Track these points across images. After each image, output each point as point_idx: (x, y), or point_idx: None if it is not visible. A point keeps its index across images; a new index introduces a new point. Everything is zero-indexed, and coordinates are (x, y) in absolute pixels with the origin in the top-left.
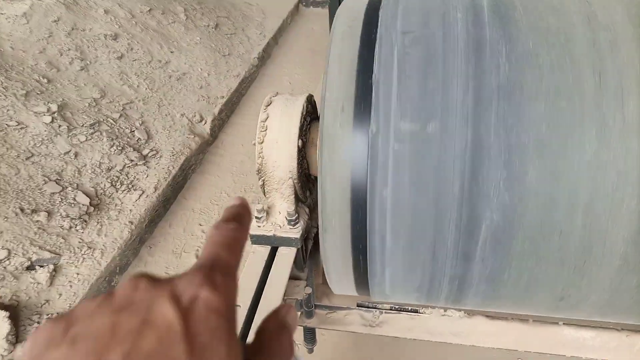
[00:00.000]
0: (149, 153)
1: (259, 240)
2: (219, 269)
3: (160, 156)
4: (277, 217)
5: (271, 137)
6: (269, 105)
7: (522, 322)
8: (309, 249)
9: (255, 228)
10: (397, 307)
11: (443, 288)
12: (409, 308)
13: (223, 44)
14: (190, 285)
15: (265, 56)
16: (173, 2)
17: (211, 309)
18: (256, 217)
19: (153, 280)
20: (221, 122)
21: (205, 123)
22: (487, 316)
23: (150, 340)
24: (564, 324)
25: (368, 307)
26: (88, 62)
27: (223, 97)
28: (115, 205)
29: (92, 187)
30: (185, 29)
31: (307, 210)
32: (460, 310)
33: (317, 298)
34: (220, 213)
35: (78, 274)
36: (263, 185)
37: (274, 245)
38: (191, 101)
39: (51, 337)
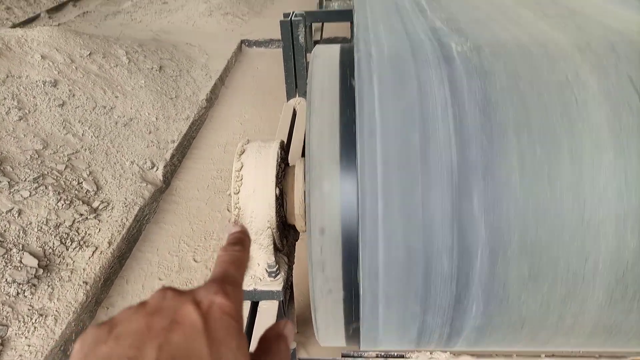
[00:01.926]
0: (99, 205)
1: None
2: (229, 282)
3: (112, 208)
4: (257, 269)
5: (247, 186)
6: (242, 153)
7: (507, 357)
8: (287, 300)
9: None
10: (383, 354)
11: (434, 337)
12: (395, 354)
13: (169, 87)
14: (208, 293)
15: (212, 97)
16: (113, 45)
17: (224, 312)
18: None
19: (177, 291)
20: (173, 167)
21: (157, 169)
22: (472, 355)
23: (178, 335)
24: (545, 356)
25: (354, 357)
26: (27, 112)
27: (174, 141)
28: (67, 265)
29: (40, 247)
30: (129, 73)
31: (286, 259)
32: (446, 351)
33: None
34: (180, 265)
35: (29, 345)
36: None
37: (255, 300)
38: (140, 147)
39: (98, 336)
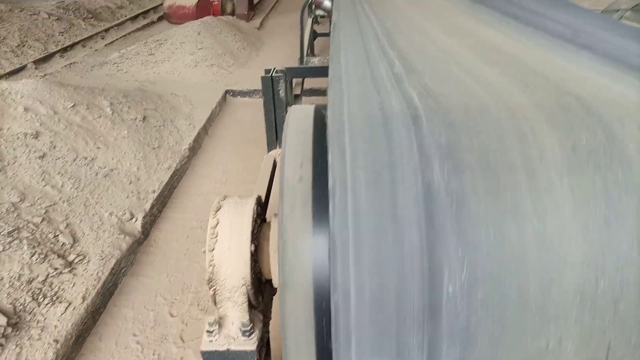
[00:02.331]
0: (75, 259)
1: (211, 357)
2: None
3: (88, 261)
4: (231, 328)
5: (222, 244)
6: (218, 210)
7: None
8: (262, 358)
9: (207, 343)
10: None
11: None
12: None
13: (152, 137)
14: None
15: (196, 147)
16: (98, 96)
17: None
18: (207, 332)
19: None
20: (153, 217)
21: (136, 220)
22: None
23: None
24: None
25: None
26: (6, 164)
27: (154, 191)
28: (38, 322)
29: (10, 304)
30: (112, 124)
31: (260, 317)
32: None
33: None
34: (155, 320)
35: None
36: (214, 295)
37: None
38: (120, 198)
39: None
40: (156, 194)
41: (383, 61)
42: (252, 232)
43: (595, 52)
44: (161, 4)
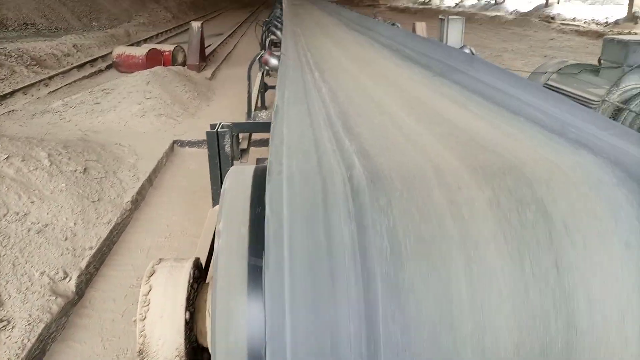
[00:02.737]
0: None
1: None
2: None
3: (13, 327)
4: None
5: (155, 312)
6: (151, 275)
7: None
8: None
9: None
10: None
11: None
12: None
13: (92, 189)
14: None
15: (139, 199)
16: (35, 147)
17: None
18: None
19: None
20: (89, 276)
21: (70, 280)
22: None
23: None
24: None
25: None
26: None
27: (91, 247)
28: None
29: None
30: (49, 176)
31: None
32: None
33: None
34: None
35: None
36: None
37: None
38: (54, 256)
39: None
40: (93, 251)
41: (327, 130)
42: (188, 298)
43: (527, 117)
44: (110, 53)
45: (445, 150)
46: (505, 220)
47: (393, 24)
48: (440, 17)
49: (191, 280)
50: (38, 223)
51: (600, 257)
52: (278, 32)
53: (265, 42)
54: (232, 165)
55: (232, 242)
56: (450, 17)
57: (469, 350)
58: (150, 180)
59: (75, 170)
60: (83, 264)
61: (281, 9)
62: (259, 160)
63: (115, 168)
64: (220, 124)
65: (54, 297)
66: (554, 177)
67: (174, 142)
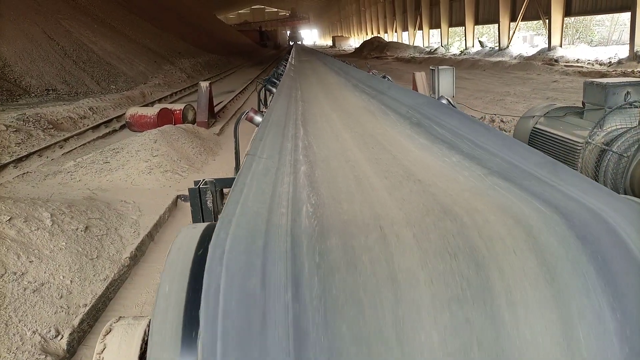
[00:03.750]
0: None
1: None
2: None
3: None
4: None
5: None
6: (107, 334)
7: None
8: None
9: None
10: None
11: None
12: None
13: (92, 247)
14: None
15: (138, 254)
16: (39, 208)
17: None
18: None
19: None
20: (82, 333)
21: (62, 338)
22: None
23: None
24: None
25: None
26: None
27: (86, 305)
28: None
29: None
30: (50, 235)
31: None
32: None
33: None
34: None
35: None
36: None
37: None
38: (47, 314)
39: None
40: (87, 308)
41: (290, 188)
42: (142, 355)
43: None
44: (124, 114)
45: (399, 213)
46: (435, 268)
47: (384, 77)
48: (430, 67)
49: (146, 338)
50: (35, 282)
51: (533, 300)
52: (274, 89)
53: (262, 99)
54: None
55: (171, 296)
56: (441, 67)
57: None
58: (150, 236)
59: (77, 229)
60: (76, 322)
61: (285, 66)
62: None
63: (117, 225)
64: (203, 180)
65: (44, 356)
66: (486, 217)
67: (178, 197)
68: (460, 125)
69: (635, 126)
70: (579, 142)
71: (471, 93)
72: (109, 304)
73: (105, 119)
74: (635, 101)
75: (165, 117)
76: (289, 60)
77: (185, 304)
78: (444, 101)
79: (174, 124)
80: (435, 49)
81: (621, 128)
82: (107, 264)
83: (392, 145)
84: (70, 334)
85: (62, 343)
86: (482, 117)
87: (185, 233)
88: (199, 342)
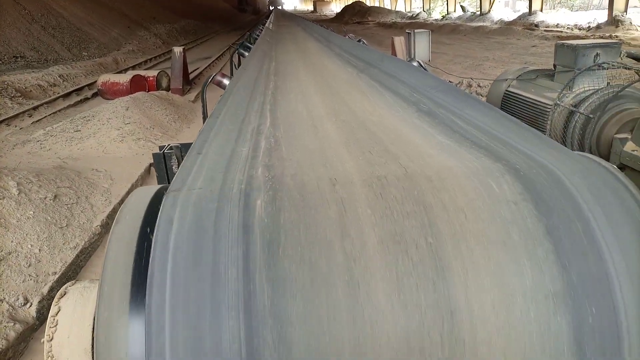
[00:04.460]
0: None
1: None
2: None
3: None
4: None
5: (62, 332)
6: (62, 297)
7: None
8: None
9: None
10: None
11: None
12: None
13: (61, 215)
14: None
15: (110, 223)
16: (4, 177)
17: None
18: None
19: None
20: (52, 301)
21: (31, 305)
22: None
23: None
24: None
25: None
26: None
27: (55, 273)
28: None
29: None
30: (17, 204)
31: None
32: None
33: None
34: None
35: None
36: None
37: None
38: (15, 282)
39: None
40: (57, 276)
41: (250, 149)
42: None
43: (451, 127)
44: (96, 81)
45: (355, 172)
46: (389, 229)
47: (359, 41)
48: (407, 31)
49: None
50: (1, 251)
51: (483, 257)
52: (246, 53)
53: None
54: None
55: (119, 257)
56: (416, 31)
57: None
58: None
59: (45, 198)
60: (45, 290)
61: (260, 31)
62: None
63: (87, 193)
64: (168, 145)
65: (12, 324)
66: (446, 183)
67: (151, 164)
68: (425, 84)
69: (603, 87)
70: (548, 104)
71: (451, 58)
72: (80, 272)
73: (77, 87)
74: (604, 63)
75: (138, 84)
76: (266, 25)
77: (133, 265)
78: (415, 63)
79: (148, 91)
80: (417, 14)
81: (589, 90)
82: (77, 232)
83: (354, 103)
84: (39, 302)
85: (32, 310)
86: (459, 83)
87: (136, 195)
88: (147, 303)
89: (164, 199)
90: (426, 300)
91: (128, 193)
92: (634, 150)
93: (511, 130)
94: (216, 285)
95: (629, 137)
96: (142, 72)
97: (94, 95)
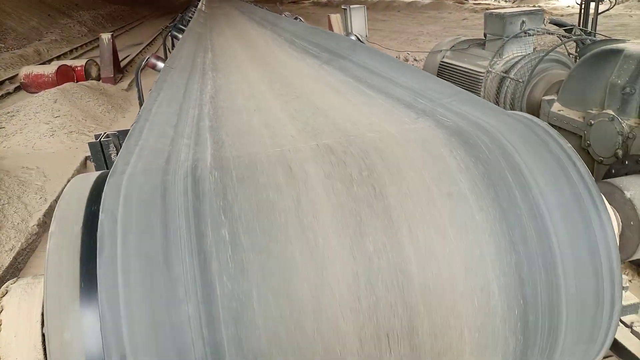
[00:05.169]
0: None
1: None
2: None
3: None
4: None
5: (8, 332)
6: (4, 295)
7: None
8: None
9: None
10: None
11: None
12: None
13: None
14: None
15: (47, 221)
16: None
17: None
18: None
19: None
20: None
21: None
22: None
23: None
24: None
25: None
26: None
27: None
28: None
29: None
30: None
31: None
32: None
33: None
34: None
35: None
36: None
37: None
38: None
39: None
40: None
41: (193, 127)
42: (44, 313)
43: (388, 94)
44: (17, 75)
45: (300, 139)
46: (337, 187)
47: (296, 18)
48: (342, 7)
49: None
50: None
51: (427, 207)
52: (180, 35)
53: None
54: None
55: (65, 242)
56: (352, 6)
57: (310, 315)
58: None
59: None
60: None
61: (193, 12)
62: None
63: (19, 193)
64: (104, 133)
65: None
66: (387, 143)
67: (87, 158)
68: (369, 59)
69: (530, 53)
70: (481, 72)
71: (387, 34)
72: (19, 275)
73: None
74: (530, 29)
75: (65, 75)
76: (199, 7)
77: (81, 253)
78: (353, 37)
79: (76, 82)
80: None
81: (518, 56)
82: (12, 233)
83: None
84: None
85: None
86: (396, 57)
87: (76, 183)
88: (99, 280)
89: (107, 183)
90: (375, 244)
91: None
92: (560, 110)
93: (448, 94)
94: (171, 266)
95: (555, 98)
96: (69, 62)
97: (17, 89)
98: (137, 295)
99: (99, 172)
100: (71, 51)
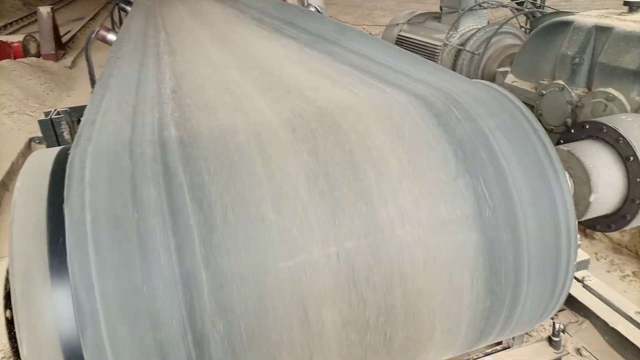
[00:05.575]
0: None
1: None
2: None
3: None
4: None
5: None
6: None
7: None
8: None
9: None
10: None
11: None
12: None
13: None
14: None
15: None
16: None
17: None
18: None
19: None
20: None
21: None
22: None
23: None
24: None
25: None
26: None
27: None
28: None
29: None
30: None
31: None
32: None
33: None
34: None
35: None
36: None
37: None
38: None
39: None
40: None
41: (155, 99)
42: (7, 295)
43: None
44: None
45: (271, 114)
46: (310, 156)
47: None
48: None
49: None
50: None
51: (399, 170)
52: (129, 8)
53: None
54: None
55: (29, 226)
56: None
57: (285, 278)
58: (4, 185)
59: None
60: None
61: None
62: None
63: None
64: (55, 110)
65: None
66: (361, 114)
67: (31, 139)
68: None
69: (485, 26)
70: (438, 45)
71: (342, 9)
72: None
73: None
74: (484, 2)
75: (2, 52)
76: None
77: (47, 230)
78: (312, 9)
79: (14, 59)
80: None
81: (473, 29)
82: None
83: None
84: None
85: None
86: None
87: (35, 159)
88: (69, 264)
89: (70, 157)
90: (346, 193)
91: (9, 173)
92: (513, 82)
93: (413, 64)
94: (143, 229)
95: (509, 70)
96: (4, 38)
97: None
98: (109, 263)
99: (60, 148)
100: (5, 26)
